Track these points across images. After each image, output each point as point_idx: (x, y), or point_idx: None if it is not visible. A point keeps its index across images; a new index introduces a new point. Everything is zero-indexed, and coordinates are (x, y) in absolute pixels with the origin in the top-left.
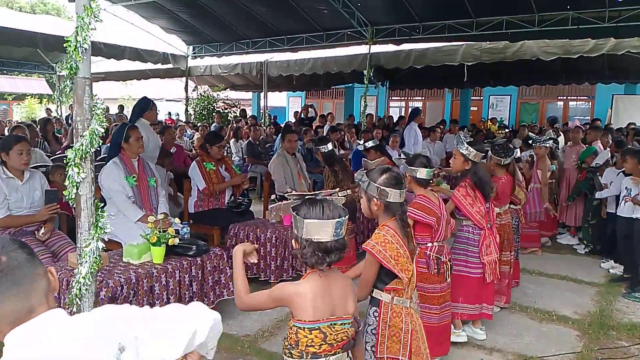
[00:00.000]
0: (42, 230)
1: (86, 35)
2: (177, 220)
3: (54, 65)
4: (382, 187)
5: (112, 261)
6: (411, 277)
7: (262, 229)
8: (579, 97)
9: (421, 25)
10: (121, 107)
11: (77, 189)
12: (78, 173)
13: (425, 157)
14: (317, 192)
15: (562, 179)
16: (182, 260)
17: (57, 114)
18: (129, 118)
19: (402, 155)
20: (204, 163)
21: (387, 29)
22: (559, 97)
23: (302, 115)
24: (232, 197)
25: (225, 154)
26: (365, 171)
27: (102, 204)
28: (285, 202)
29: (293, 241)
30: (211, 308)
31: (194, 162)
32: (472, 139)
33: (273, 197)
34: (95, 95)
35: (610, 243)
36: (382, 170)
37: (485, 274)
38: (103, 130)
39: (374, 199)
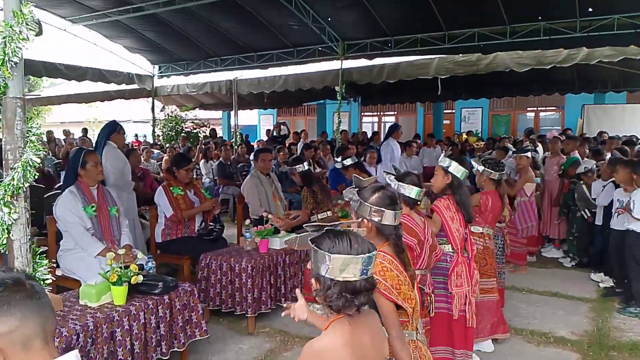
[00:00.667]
0: None
1: (16, 47)
2: (140, 255)
3: None
4: (374, 207)
5: (67, 304)
6: (415, 306)
7: (236, 258)
8: (548, 108)
9: (393, 39)
10: (85, 130)
11: (8, 232)
12: (9, 214)
13: (416, 176)
14: (337, 222)
15: (544, 191)
16: (148, 299)
17: None
18: (94, 142)
19: (392, 171)
20: (171, 188)
21: (358, 44)
22: (528, 108)
23: (275, 133)
24: (203, 224)
25: (194, 176)
26: (356, 189)
27: (41, 248)
28: (302, 234)
29: (313, 280)
30: (182, 351)
31: (160, 187)
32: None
33: (248, 221)
34: (30, 118)
35: (598, 256)
36: (375, 189)
37: (453, 308)
38: (39, 161)
39: (365, 220)
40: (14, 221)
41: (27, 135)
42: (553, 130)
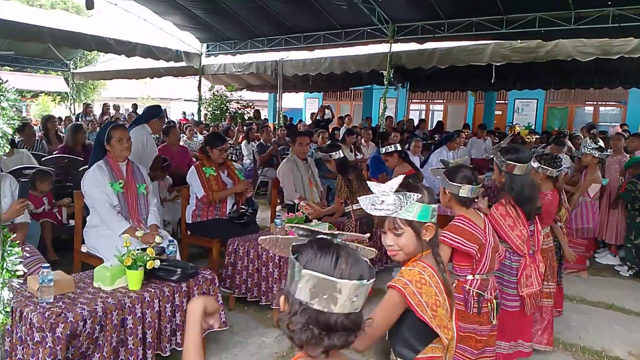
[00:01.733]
0: None
1: None
2: (158, 238)
3: (67, 62)
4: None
5: (80, 286)
6: (450, 341)
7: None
8: (609, 102)
9: (446, 22)
10: (135, 106)
11: None
12: None
13: (469, 170)
14: (337, 232)
15: (603, 191)
16: (164, 286)
17: (71, 111)
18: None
19: (441, 165)
20: (204, 168)
21: (409, 27)
22: (587, 102)
23: (318, 117)
24: (235, 207)
25: (233, 158)
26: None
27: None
28: (285, 237)
29: (282, 299)
30: None
31: (193, 167)
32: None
33: (279, 207)
34: (5, 81)
35: None
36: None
37: (524, 307)
38: (11, 132)
39: (430, 224)
40: None
41: None
42: (617, 126)
